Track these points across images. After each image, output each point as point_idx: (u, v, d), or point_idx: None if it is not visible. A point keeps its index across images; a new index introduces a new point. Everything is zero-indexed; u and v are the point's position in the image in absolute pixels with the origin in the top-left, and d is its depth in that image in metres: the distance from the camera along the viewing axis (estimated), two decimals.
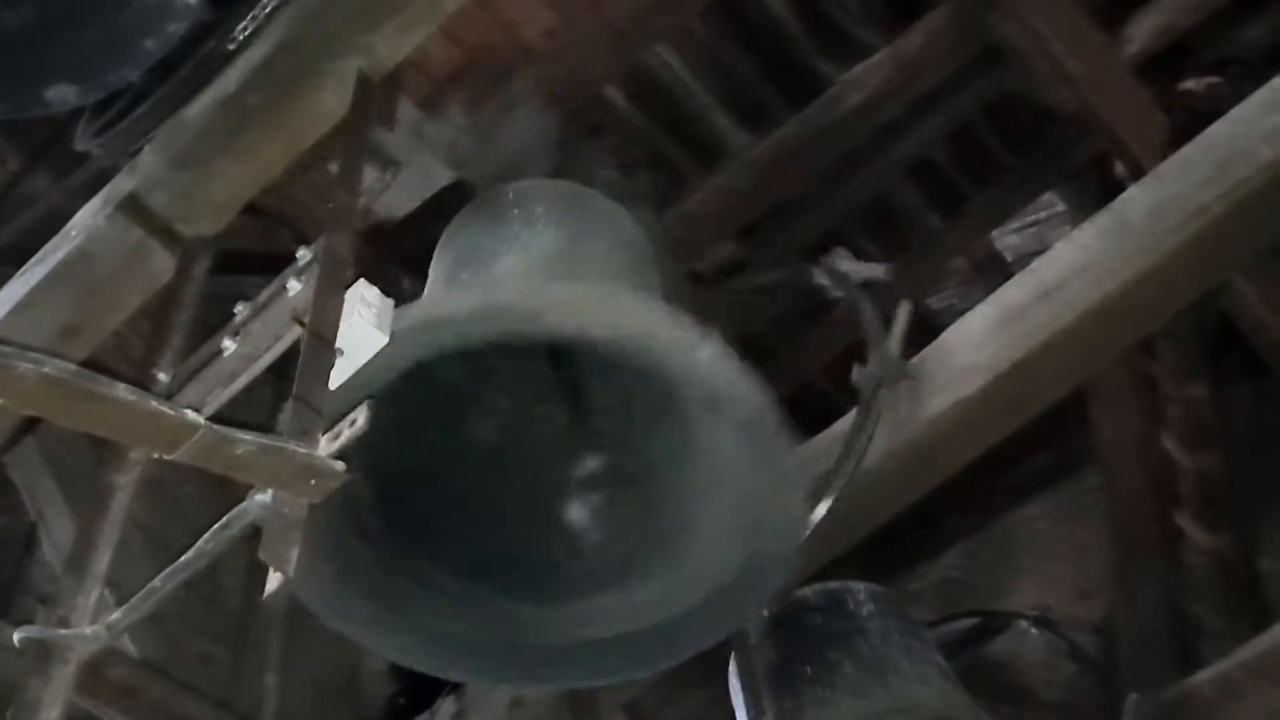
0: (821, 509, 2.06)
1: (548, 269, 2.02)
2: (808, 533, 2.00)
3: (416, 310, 1.71)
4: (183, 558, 1.56)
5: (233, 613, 3.23)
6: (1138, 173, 2.94)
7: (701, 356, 1.68)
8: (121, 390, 1.26)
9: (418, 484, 1.98)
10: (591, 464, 2.05)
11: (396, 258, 2.65)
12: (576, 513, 2.02)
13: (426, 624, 1.95)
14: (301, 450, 1.42)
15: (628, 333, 1.68)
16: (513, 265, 2.02)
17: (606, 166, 2.65)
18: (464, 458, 2.02)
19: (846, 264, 2.34)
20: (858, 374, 2.19)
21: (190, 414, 1.33)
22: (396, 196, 1.98)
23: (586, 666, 1.98)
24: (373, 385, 1.63)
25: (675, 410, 1.86)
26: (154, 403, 1.31)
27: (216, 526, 1.53)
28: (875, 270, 2.31)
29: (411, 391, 1.76)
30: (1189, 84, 3.18)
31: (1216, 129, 2.18)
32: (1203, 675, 2.43)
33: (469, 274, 2.08)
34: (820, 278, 2.37)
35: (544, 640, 1.95)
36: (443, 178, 2.12)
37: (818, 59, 3.52)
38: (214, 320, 2.05)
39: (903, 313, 2.21)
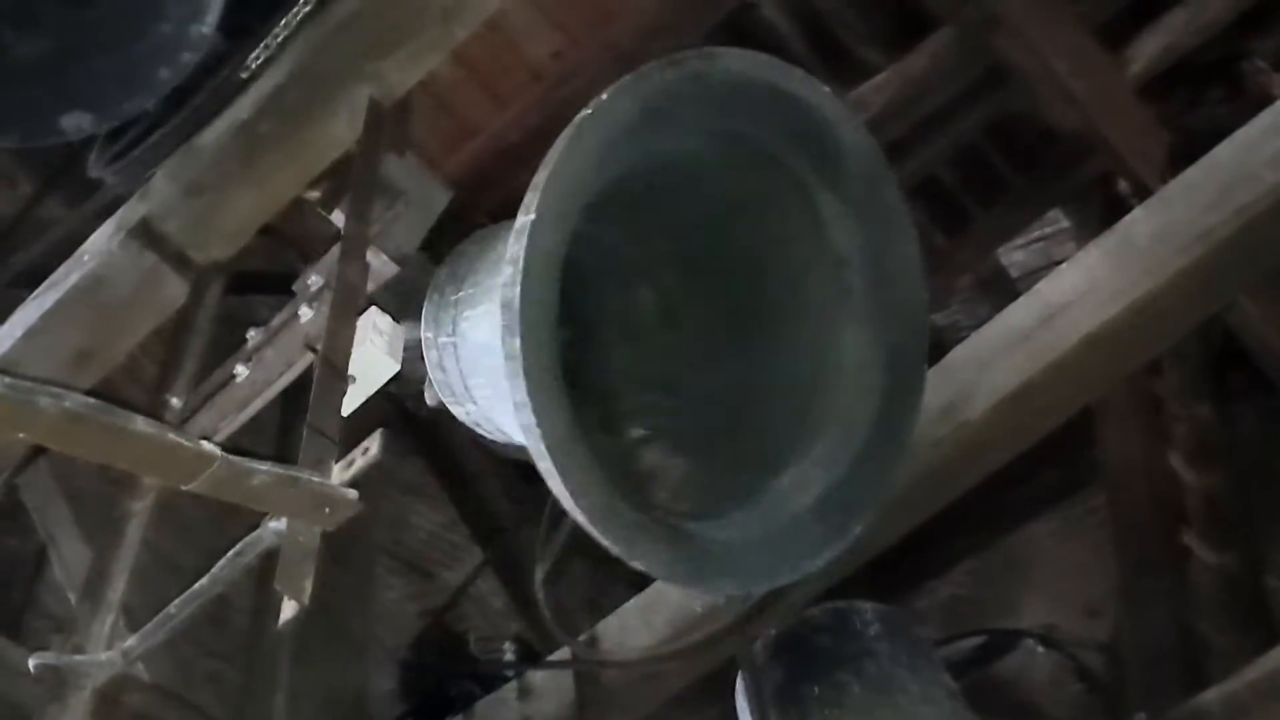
0: None
1: None
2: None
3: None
4: (197, 584, 1.57)
5: (241, 632, 3.24)
6: (1141, 191, 2.96)
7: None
8: (140, 424, 1.28)
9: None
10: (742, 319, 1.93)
11: None
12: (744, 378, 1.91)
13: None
14: (316, 480, 1.44)
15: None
16: None
17: None
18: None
19: None
20: None
21: (207, 446, 1.35)
22: (404, 232, 2.00)
23: (813, 537, 1.81)
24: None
25: (780, 210, 1.81)
26: (172, 435, 1.32)
27: (231, 554, 1.55)
28: None
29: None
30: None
31: (1220, 152, 2.19)
32: (1210, 694, 2.43)
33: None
34: None
35: (764, 530, 1.79)
36: (443, 202, 2.13)
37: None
38: (222, 340, 2.07)
39: None
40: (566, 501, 1.47)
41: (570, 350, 1.94)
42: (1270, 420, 3.32)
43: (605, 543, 1.52)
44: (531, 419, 1.42)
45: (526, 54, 3.45)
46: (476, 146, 3.54)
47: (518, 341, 1.43)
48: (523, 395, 1.42)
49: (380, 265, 1.94)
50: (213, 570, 1.56)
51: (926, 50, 3.31)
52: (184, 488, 1.36)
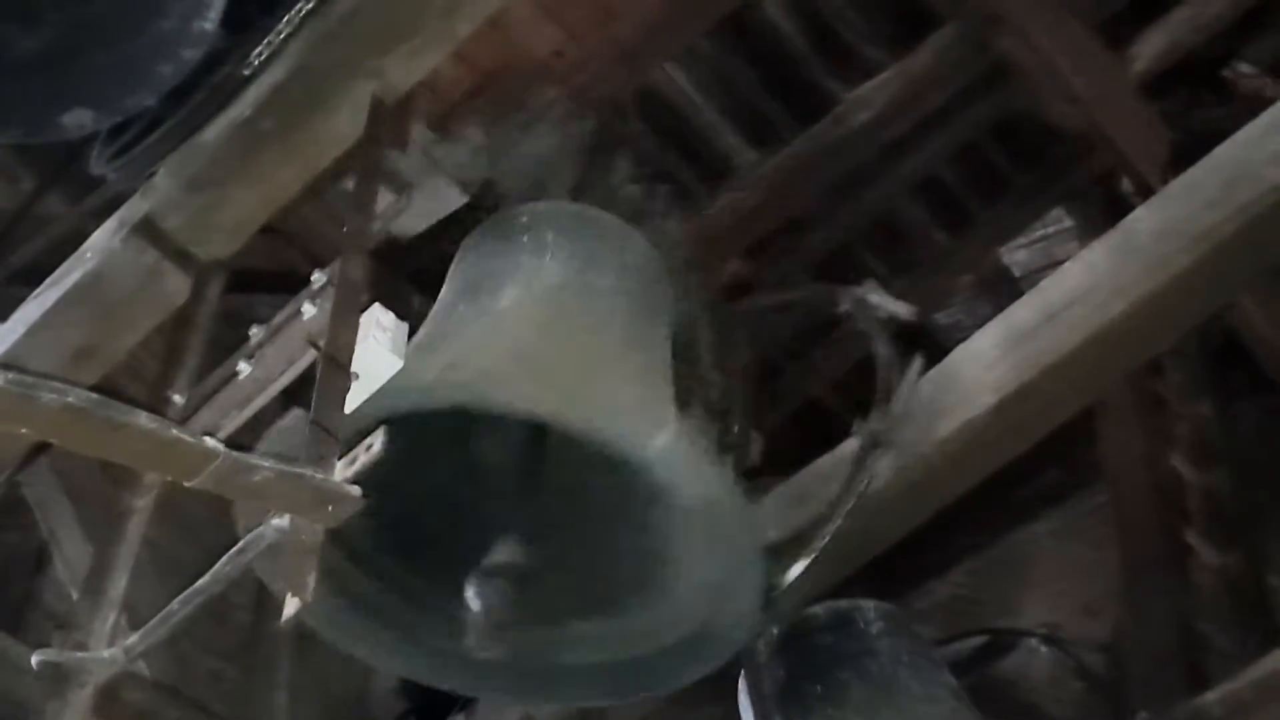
0: (799, 567, 2.12)
1: (548, 305, 2.04)
2: (790, 582, 2.10)
3: (390, 374, 1.74)
4: (199, 582, 1.57)
5: (243, 630, 3.24)
6: (1144, 190, 2.95)
7: (658, 444, 1.74)
8: (142, 419, 1.27)
9: (414, 509, 2.02)
10: (558, 514, 2.08)
11: (408, 276, 2.67)
12: (549, 551, 2.05)
13: (430, 642, 2.03)
14: (318, 476, 1.44)
15: (579, 420, 1.76)
16: (510, 304, 2.04)
17: (627, 181, 2.65)
18: (451, 489, 2.07)
19: (875, 297, 2.32)
20: (858, 428, 2.21)
21: (209, 441, 1.34)
22: (409, 219, 2.00)
23: (573, 688, 2.08)
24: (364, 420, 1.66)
25: (635, 487, 1.90)
26: (173, 431, 1.32)
27: (232, 551, 1.54)
28: (902, 309, 2.30)
29: (402, 431, 1.79)
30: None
31: (1223, 150, 2.19)
32: (1211, 694, 2.43)
33: (466, 306, 2.11)
34: (846, 304, 2.36)
35: (536, 659, 2.02)
36: (454, 200, 2.14)
37: (825, 77, 3.53)
38: (224, 339, 2.07)
39: (914, 371, 2.20)
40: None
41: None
42: (1272, 419, 3.32)
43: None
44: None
45: (529, 52, 3.44)
46: None
47: None
48: None
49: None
50: (214, 568, 1.56)
51: (928, 48, 3.30)
52: (186, 484, 1.36)
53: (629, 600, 2.02)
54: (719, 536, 1.87)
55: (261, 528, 1.51)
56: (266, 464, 1.39)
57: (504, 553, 1.99)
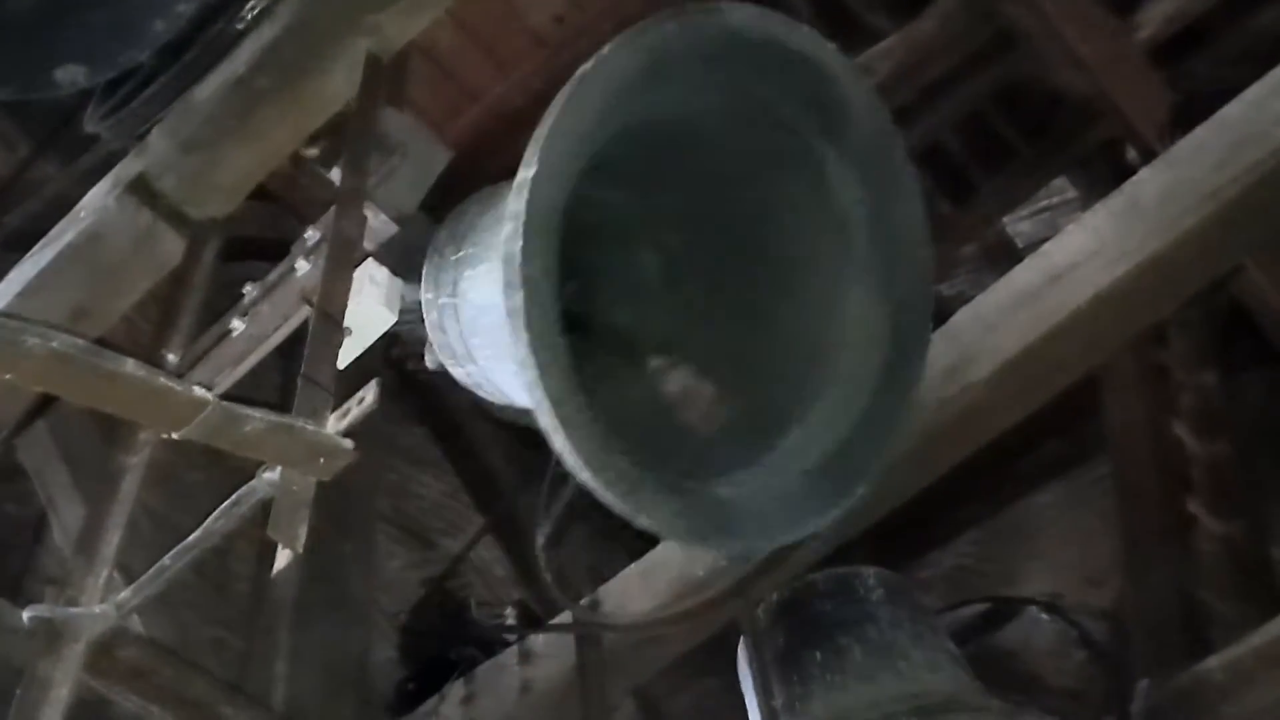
0: None
1: None
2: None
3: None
4: (191, 536, 1.56)
5: (243, 599, 3.23)
6: (1149, 158, 2.92)
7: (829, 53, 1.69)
8: (130, 366, 1.26)
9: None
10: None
11: None
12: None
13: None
14: (310, 428, 1.42)
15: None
16: None
17: None
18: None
19: None
20: None
21: (199, 391, 1.33)
22: (400, 182, 1.98)
23: (817, 497, 1.78)
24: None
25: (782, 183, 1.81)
26: (163, 379, 1.31)
27: (226, 504, 1.53)
28: None
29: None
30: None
31: (1228, 111, 2.17)
32: (1213, 662, 2.43)
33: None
34: None
35: (769, 491, 1.78)
36: (442, 162, 2.11)
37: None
38: (222, 306, 2.05)
39: None
40: (568, 455, 1.45)
41: (578, 301, 1.92)
42: (1276, 389, 3.30)
43: (608, 498, 1.50)
44: (534, 373, 1.41)
45: (529, 18, 3.42)
46: (478, 111, 3.52)
47: (520, 296, 1.41)
48: (525, 350, 1.41)
49: (380, 225, 1.93)
50: (206, 522, 1.55)
51: (933, 15, 3.27)
52: (176, 435, 1.35)
53: (813, 374, 1.83)
54: (888, 188, 1.79)
55: (254, 481, 1.50)
56: (257, 415, 1.37)
57: None
